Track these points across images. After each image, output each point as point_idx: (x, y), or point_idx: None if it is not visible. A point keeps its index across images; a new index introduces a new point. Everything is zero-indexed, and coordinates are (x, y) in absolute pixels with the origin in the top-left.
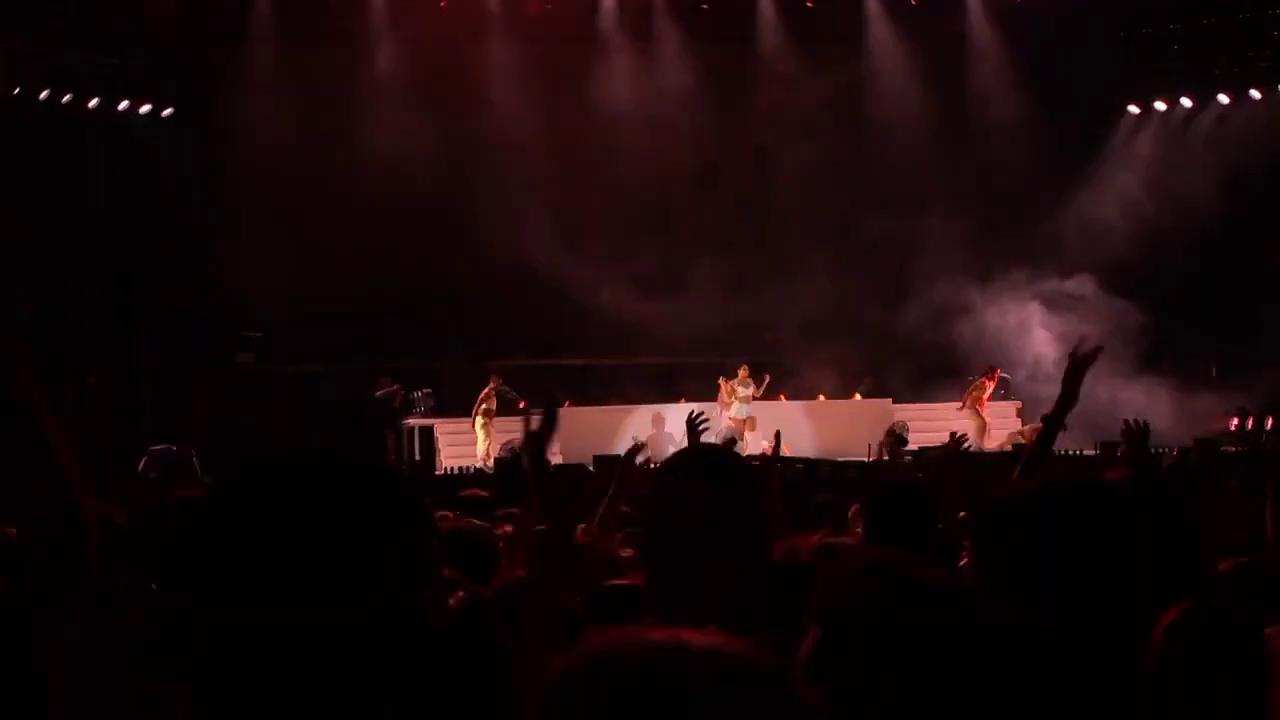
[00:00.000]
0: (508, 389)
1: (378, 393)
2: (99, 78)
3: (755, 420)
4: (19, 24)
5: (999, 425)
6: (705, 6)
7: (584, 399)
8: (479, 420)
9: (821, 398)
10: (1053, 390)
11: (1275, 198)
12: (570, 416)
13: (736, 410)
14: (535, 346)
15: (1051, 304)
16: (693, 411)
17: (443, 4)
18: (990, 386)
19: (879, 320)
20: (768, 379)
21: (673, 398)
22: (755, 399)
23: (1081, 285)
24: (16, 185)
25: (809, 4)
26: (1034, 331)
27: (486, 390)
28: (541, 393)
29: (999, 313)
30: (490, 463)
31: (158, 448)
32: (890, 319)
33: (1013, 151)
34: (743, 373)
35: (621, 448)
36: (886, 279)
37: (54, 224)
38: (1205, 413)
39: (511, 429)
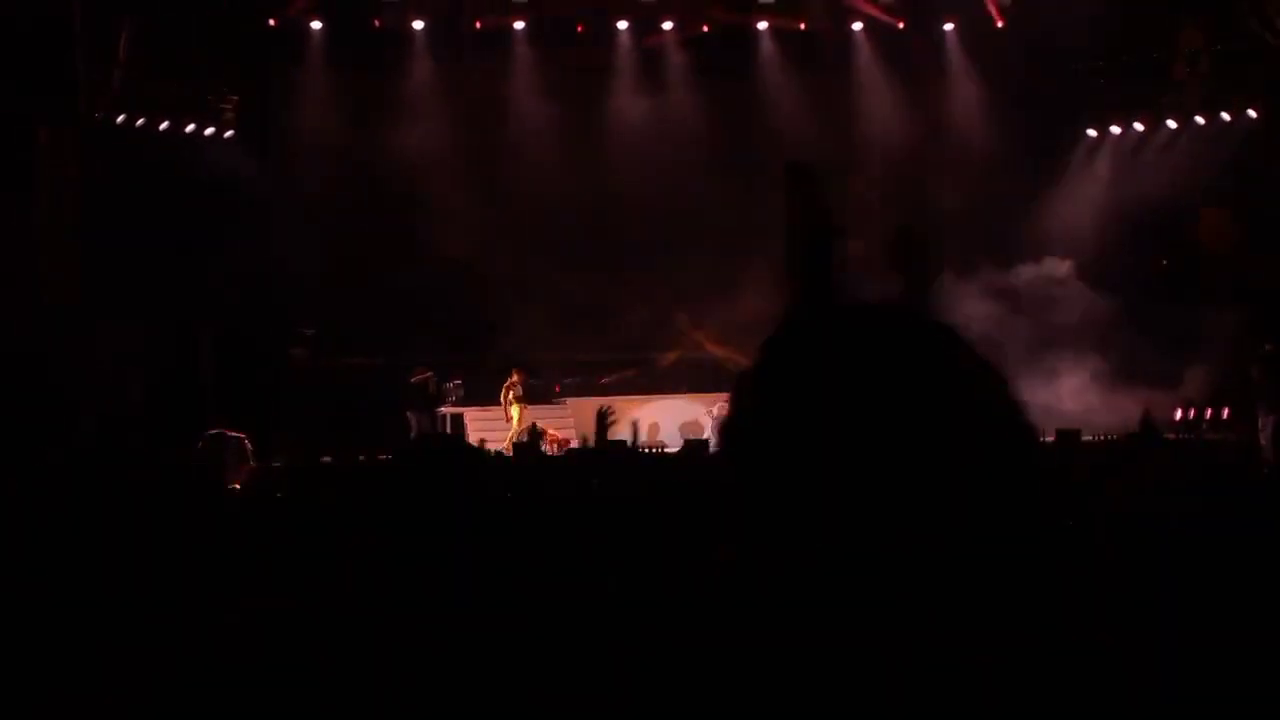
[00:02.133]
0: (531, 380)
1: (412, 379)
2: (170, 103)
3: None
4: (104, 58)
5: None
6: (707, 31)
7: (588, 392)
8: (513, 408)
9: None
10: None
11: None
12: (581, 407)
13: None
14: (552, 343)
15: (1007, 298)
16: (602, 407)
17: (479, 25)
18: None
19: None
20: None
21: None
22: None
23: (1046, 277)
24: (102, 201)
25: (801, 26)
26: (1003, 322)
27: (510, 381)
28: (551, 387)
29: (966, 305)
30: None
31: (214, 432)
32: None
33: (980, 168)
34: None
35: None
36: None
37: (134, 233)
38: (1157, 405)
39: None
